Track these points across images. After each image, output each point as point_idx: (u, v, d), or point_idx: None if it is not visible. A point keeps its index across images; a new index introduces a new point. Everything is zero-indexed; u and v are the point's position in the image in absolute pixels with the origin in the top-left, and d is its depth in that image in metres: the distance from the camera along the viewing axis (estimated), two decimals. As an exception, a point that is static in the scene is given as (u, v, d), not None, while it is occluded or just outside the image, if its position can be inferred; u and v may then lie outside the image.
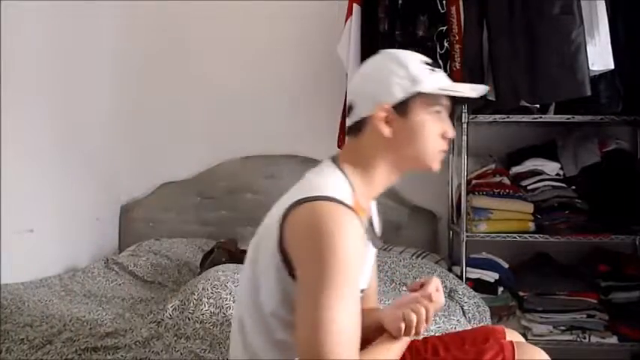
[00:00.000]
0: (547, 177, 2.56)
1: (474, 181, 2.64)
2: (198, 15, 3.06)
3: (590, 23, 2.18)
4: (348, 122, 1.23)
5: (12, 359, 1.77)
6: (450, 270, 2.57)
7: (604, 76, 2.28)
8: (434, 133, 1.20)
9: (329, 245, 1.03)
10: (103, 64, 3.04)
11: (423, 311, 1.16)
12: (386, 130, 1.17)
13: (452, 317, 1.99)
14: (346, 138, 1.27)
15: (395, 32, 2.46)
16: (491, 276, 2.54)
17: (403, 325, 1.15)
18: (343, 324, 1.02)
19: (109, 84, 3.07)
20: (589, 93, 2.12)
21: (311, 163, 3.34)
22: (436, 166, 1.23)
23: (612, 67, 2.18)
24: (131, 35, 3.11)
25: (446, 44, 2.36)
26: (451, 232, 2.91)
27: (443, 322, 1.93)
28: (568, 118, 2.48)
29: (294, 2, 2.98)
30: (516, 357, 1.26)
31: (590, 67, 2.14)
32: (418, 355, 1.38)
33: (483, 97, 2.36)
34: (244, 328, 1.18)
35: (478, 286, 2.47)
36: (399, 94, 1.16)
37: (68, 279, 2.44)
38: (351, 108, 1.23)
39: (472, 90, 1.23)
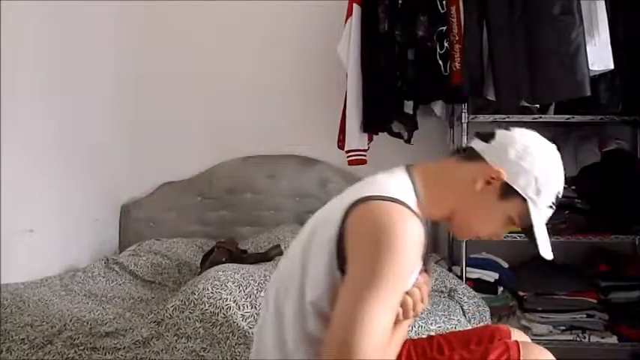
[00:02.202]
0: (547, 177, 2.56)
1: (474, 181, 2.63)
2: (198, 15, 3.07)
3: (590, 23, 2.18)
4: (477, 146, 1.21)
5: (13, 359, 1.77)
6: (450, 270, 2.57)
7: (604, 76, 2.29)
8: (493, 226, 1.22)
9: (388, 246, 1.03)
10: (103, 63, 3.04)
11: (417, 292, 1.16)
12: (478, 186, 1.17)
13: (452, 317, 1.99)
14: (451, 157, 1.25)
15: (395, 32, 2.45)
16: (491, 276, 2.55)
17: (401, 310, 1.14)
18: (379, 326, 1.02)
19: (110, 83, 3.07)
20: (589, 93, 2.12)
21: (311, 163, 3.36)
22: (461, 238, 1.24)
23: (612, 67, 2.18)
24: (132, 36, 3.11)
25: (446, 44, 2.36)
26: (451, 232, 2.91)
27: (443, 321, 1.93)
28: (568, 118, 2.49)
29: (294, 2, 2.98)
30: (522, 357, 1.26)
31: (590, 67, 2.14)
32: (424, 355, 1.38)
33: (483, 97, 2.40)
34: (283, 317, 1.16)
35: (478, 285, 2.47)
36: (517, 184, 1.16)
37: (68, 279, 2.44)
38: (490, 140, 1.20)
39: (545, 251, 1.22)
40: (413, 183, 1.19)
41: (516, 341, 1.31)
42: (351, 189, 1.19)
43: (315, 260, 1.13)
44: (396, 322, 1.13)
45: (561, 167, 1.22)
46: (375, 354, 1.01)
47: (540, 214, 1.19)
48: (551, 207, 1.20)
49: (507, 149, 1.18)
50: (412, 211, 1.11)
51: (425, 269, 1.24)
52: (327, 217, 1.16)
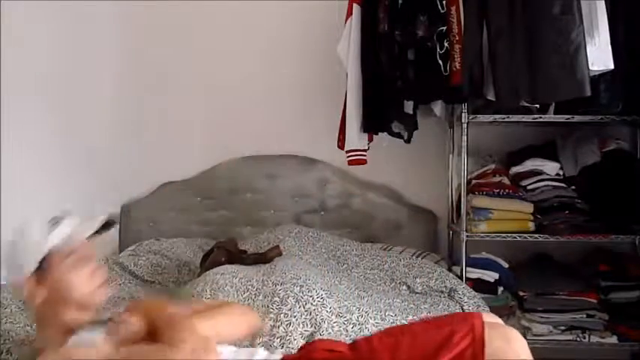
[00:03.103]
0: (547, 177, 2.56)
1: (473, 181, 2.64)
2: (199, 15, 3.06)
3: (590, 23, 2.17)
4: None
5: None
6: (449, 270, 2.56)
7: (604, 76, 2.28)
8: None
9: None
10: (104, 63, 3.04)
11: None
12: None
13: (452, 317, 1.99)
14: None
15: (395, 32, 2.45)
16: (491, 276, 2.55)
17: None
18: None
19: (110, 83, 3.08)
20: (589, 93, 2.11)
21: (311, 163, 3.36)
22: None
23: (612, 67, 2.18)
24: (132, 36, 3.11)
25: (446, 44, 2.36)
26: (451, 232, 2.91)
27: (443, 322, 1.93)
28: (568, 118, 2.49)
29: (294, 2, 2.98)
30: (486, 336, 1.28)
31: (590, 67, 2.13)
32: (393, 338, 1.38)
33: (483, 97, 2.40)
34: None
35: (478, 286, 2.47)
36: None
37: (68, 279, 2.43)
38: None
39: None
40: None
41: (482, 322, 1.32)
42: None
43: None
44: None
45: None
46: None
47: None
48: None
49: None
50: None
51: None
52: None
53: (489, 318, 1.43)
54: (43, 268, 1.25)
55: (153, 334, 1.24)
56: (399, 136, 2.65)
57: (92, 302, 1.31)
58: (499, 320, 1.47)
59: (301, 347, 1.53)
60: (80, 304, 1.29)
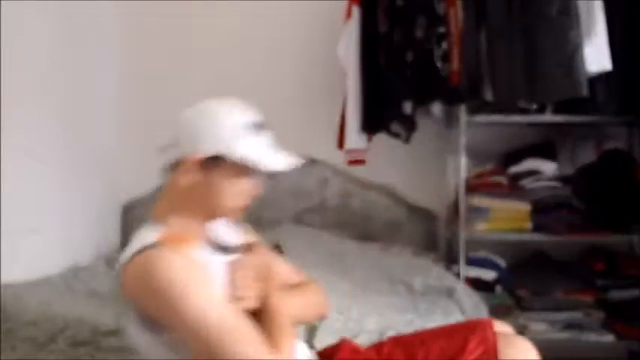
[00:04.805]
0: (544, 176, 2.58)
1: (472, 181, 2.66)
2: (201, 16, 3.08)
3: (588, 24, 2.20)
4: (167, 160, 1.26)
5: (16, 357, 1.79)
6: (448, 269, 2.59)
7: (601, 76, 2.30)
8: (234, 192, 1.23)
9: (160, 286, 1.10)
10: (105, 62, 3.05)
11: (239, 277, 1.22)
12: (184, 179, 1.20)
13: (450, 316, 2.01)
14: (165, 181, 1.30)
15: (394, 34, 2.47)
16: (489, 275, 2.57)
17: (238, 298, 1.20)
18: (226, 328, 1.09)
19: (112, 83, 3.09)
20: (586, 93, 2.14)
21: (311, 163, 3.34)
22: (233, 219, 1.30)
23: (609, 67, 2.20)
24: (135, 36, 3.13)
25: (444, 46, 2.38)
26: (449, 232, 2.93)
27: (441, 320, 1.95)
28: (565, 119, 2.50)
29: (294, 3, 3.00)
30: (499, 347, 1.30)
31: (588, 68, 2.15)
32: (405, 349, 1.40)
33: (481, 98, 2.41)
34: None
35: (476, 284, 2.49)
36: (205, 151, 1.19)
37: (71, 278, 2.45)
38: (171, 146, 1.26)
39: (278, 164, 1.26)
40: (151, 222, 1.24)
41: (494, 332, 1.34)
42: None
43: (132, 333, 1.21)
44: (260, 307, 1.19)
45: (225, 106, 1.28)
46: (246, 346, 1.08)
47: (245, 151, 1.21)
48: (250, 132, 1.24)
49: (183, 132, 1.25)
50: (152, 246, 1.15)
51: (246, 250, 1.31)
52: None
53: (500, 326, 1.45)
54: (212, 162, 1.20)
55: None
56: (397, 136, 2.67)
57: (224, 216, 1.29)
58: (509, 328, 1.48)
59: (334, 345, 1.55)
60: (214, 212, 1.26)
